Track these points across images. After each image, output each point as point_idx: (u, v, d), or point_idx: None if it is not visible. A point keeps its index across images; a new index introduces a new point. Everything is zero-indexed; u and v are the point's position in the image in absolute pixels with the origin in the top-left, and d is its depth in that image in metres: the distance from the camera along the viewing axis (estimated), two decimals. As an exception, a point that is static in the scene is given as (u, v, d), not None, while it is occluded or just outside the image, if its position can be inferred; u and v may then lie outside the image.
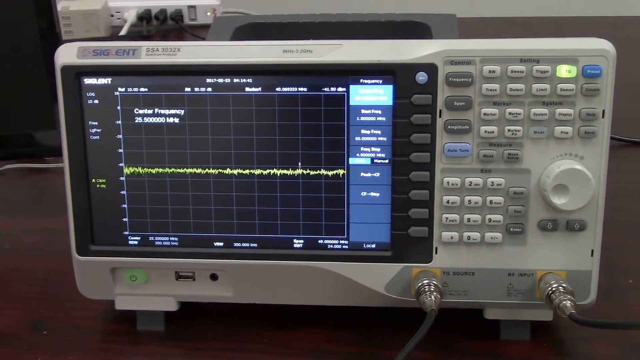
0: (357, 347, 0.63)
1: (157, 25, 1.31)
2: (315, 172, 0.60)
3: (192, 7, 1.31)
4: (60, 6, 1.26)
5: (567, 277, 0.59)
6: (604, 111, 0.57)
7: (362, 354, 0.62)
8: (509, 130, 0.57)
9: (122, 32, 1.29)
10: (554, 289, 0.57)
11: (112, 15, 1.32)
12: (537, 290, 0.60)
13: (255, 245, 0.62)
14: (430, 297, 0.57)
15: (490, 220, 0.59)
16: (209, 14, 1.28)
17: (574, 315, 0.54)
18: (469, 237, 0.59)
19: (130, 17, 1.30)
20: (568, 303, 0.55)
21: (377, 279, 0.61)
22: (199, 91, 0.59)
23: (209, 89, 0.59)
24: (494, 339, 0.64)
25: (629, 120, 1.10)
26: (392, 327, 0.64)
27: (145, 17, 1.31)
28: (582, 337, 0.63)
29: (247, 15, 1.17)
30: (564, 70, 0.56)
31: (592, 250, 0.59)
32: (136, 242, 0.62)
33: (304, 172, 0.60)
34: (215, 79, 0.59)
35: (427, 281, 0.58)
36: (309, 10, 0.79)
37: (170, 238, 0.62)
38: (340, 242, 0.61)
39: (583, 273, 0.59)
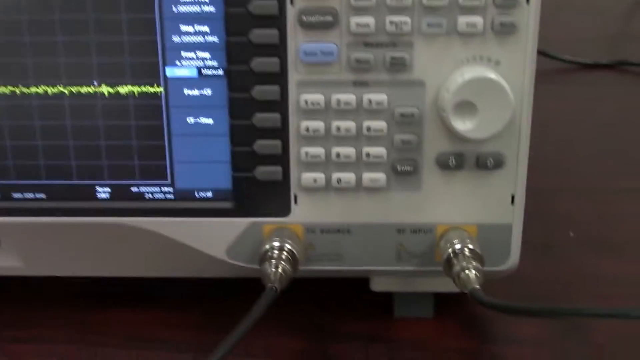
0: (195, 332, 0.46)
1: None
2: (119, 90, 0.42)
3: None
4: None
5: (477, 233, 0.43)
6: (528, -7, 0.40)
7: (201, 341, 0.45)
8: (391, 23, 0.39)
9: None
10: (456, 251, 0.41)
11: None
12: (436, 252, 0.44)
13: (42, 195, 0.43)
14: (276, 268, 0.40)
15: (368, 155, 0.41)
16: None
17: (476, 292, 0.37)
18: (339, 180, 0.42)
19: None
20: (472, 273, 0.39)
21: (215, 241, 0.43)
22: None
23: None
24: (385, 317, 0.48)
25: (568, 38, 0.98)
26: (246, 304, 0.44)
27: None
28: (500, 315, 0.46)
29: None
30: None
31: (513, 196, 0.42)
32: None
33: (102, 89, 0.42)
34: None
35: (278, 243, 0.41)
36: None
37: None
38: (163, 189, 0.43)
39: (500, 227, 0.42)
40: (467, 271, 0.39)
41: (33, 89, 0.42)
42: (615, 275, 0.53)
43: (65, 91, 0.42)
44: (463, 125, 0.39)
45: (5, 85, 0.42)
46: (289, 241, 0.41)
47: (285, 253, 0.41)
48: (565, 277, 0.53)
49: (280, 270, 0.39)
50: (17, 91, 0.42)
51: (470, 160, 0.41)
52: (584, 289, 0.51)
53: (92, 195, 0.43)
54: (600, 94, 0.86)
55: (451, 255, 0.41)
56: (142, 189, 0.43)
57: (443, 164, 0.41)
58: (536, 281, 0.51)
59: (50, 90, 0.42)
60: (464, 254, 0.40)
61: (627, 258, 0.55)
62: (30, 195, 0.44)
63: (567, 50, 0.91)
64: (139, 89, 0.42)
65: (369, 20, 0.39)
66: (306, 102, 0.41)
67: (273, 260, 0.40)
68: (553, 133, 0.73)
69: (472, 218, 0.43)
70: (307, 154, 0.41)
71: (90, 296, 0.49)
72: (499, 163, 0.41)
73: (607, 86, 0.88)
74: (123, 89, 0.42)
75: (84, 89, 0.42)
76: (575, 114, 0.81)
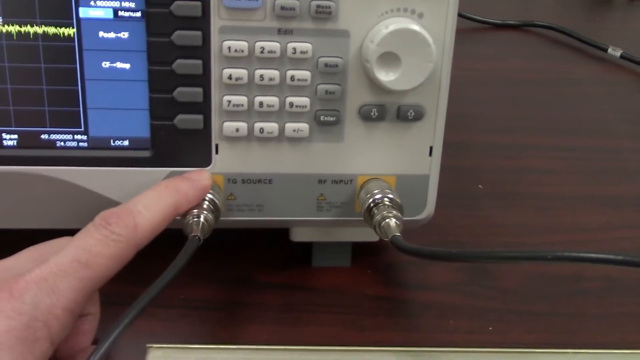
0: (115, 284, 0.41)
1: None
2: (27, 30, 0.39)
3: None
4: None
5: (396, 184, 0.43)
6: (452, -54, 0.40)
7: (122, 293, 0.40)
8: (317, -30, 0.40)
9: None
10: (376, 201, 0.41)
11: None
12: (357, 203, 0.44)
13: (-60, 142, 0.41)
14: (197, 217, 0.39)
15: (292, 105, 0.41)
16: None
17: (396, 239, 0.38)
18: (262, 130, 0.41)
19: None
20: (392, 222, 0.39)
21: (132, 191, 0.40)
22: None
23: None
24: (304, 267, 0.48)
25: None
26: (165, 257, 0.43)
27: None
28: (416, 261, 0.48)
29: None
30: None
31: (431, 148, 0.43)
32: None
33: (9, 28, 0.39)
34: None
35: (198, 193, 0.41)
36: None
37: None
38: (75, 137, 0.41)
39: (418, 178, 0.43)
40: (387, 220, 0.40)
41: None
42: (519, 224, 0.56)
43: (-33, 29, 0.39)
44: (386, 76, 0.40)
45: None
46: (210, 191, 0.41)
47: (206, 203, 0.40)
48: (474, 226, 0.55)
49: (202, 219, 0.39)
50: None
51: (391, 111, 0.42)
52: (491, 237, 0.54)
53: (-2, 142, 0.41)
54: (508, 53, 0.89)
55: (372, 205, 0.41)
56: (53, 136, 0.41)
57: (365, 115, 0.42)
58: (448, 230, 0.53)
59: (-52, 28, 0.39)
60: (384, 204, 0.41)
61: (530, 209, 0.58)
62: None
63: (476, 10, 0.94)
64: (49, 30, 0.39)
65: (294, -35, 0.39)
66: (229, 49, 0.39)
67: (195, 210, 0.39)
68: (465, 91, 0.76)
69: (392, 169, 0.43)
70: (229, 102, 0.40)
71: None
72: (419, 115, 0.42)
73: (514, 46, 0.91)
74: (32, 29, 0.39)
75: (-11, 28, 0.39)
76: (484, 72, 0.83)
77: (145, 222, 0.36)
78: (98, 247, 0.34)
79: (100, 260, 0.34)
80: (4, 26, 0.39)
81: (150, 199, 0.37)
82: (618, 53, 0.85)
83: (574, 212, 0.57)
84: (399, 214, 0.41)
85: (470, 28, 0.93)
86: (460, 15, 0.90)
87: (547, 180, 0.61)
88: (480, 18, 0.92)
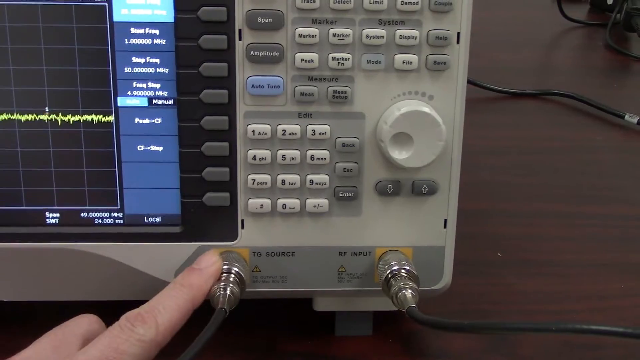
0: None
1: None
2: (70, 119, 0.43)
3: None
4: None
5: (413, 255, 0.45)
6: (459, 34, 0.42)
7: None
8: (334, 59, 0.42)
9: None
10: (394, 272, 0.43)
11: None
12: (375, 274, 0.46)
13: (-11, 221, 0.45)
14: (224, 290, 0.41)
15: (312, 182, 0.44)
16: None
17: (411, 310, 0.40)
18: (284, 206, 0.44)
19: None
20: (408, 293, 0.41)
21: (164, 264, 0.44)
22: None
23: None
24: (327, 335, 0.50)
25: (497, 68, 1.04)
26: (195, 325, 0.46)
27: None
28: (434, 331, 0.49)
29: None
30: (407, -23, 0.42)
31: (446, 220, 0.45)
32: None
33: (54, 117, 0.43)
34: None
35: (225, 267, 0.43)
36: None
37: None
38: (112, 215, 0.45)
39: (434, 250, 0.45)
40: (404, 291, 0.42)
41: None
42: (538, 292, 0.57)
43: (17, 119, 0.43)
44: (400, 154, 0.42)
45: (-45, 112, 0.43)
46: (236, 264, 0.43)
47: (232, 276, 0.42)
48: (495, 294, 0.56)
49: (228, 292, 0.41)
50: (-33, 118, 0.43)
51: (406, 187, 0.44)
52: (510, 305, 0.55)
53: (41, 220, 0.44)
54: (526, 121, 0.91)
55: (389, 276, 0.43)
56: (92, 214, 0.44)
57: (381, 191, 0.44)
58: (469, 298, 0.55)
59: (1, 117, 0.43)
60: (401, 275, 0.43)
61: (549, 276, 0.58)
62: (-22, 220, 0.44)
63: (494, 80, 0.96)
64: (90, 118, 0.43)
65: (313, 56, 0.42)
66: (253, 132, 0.43)
67: (221, 283, 0.42)
68: (483, 159, 0.78)
69: (408, 241, 0.45)
70: (253, 181, 0.44)
71: (42, 318, 0.49)
72: (432, 190, 0.44)
73: (532, 114, 0.94)
74: (75, 118, 0.43)
75: (36, 117, 0.43)
76: (502, 141, 0.85)
77: (165, 322, 0.39)
78: (124, 346, 0.37)
79: (127, 358, 0.37)
80: (49, 115, 0.43)
81: (169, 299, 0.40)
82: (635, 119, 0.87)
83: (593, 279, 0.58)
84: (415, 285, 0.43)
85: (489, 97, 0.96)
86: (478, 85, 0.94)
87: (566, 248, 0.62)
88: (498, 87, 0.95)
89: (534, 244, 0.63)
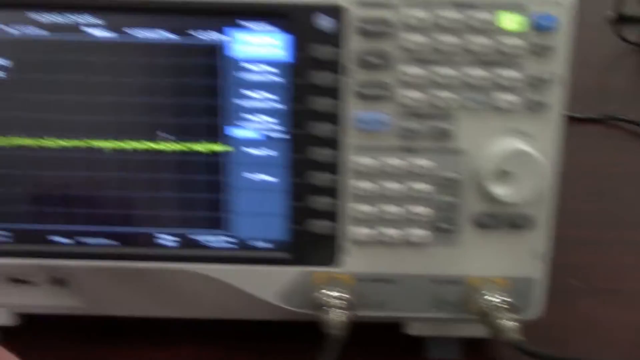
0: None
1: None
2: (189, 147, 0.46)
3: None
4: None
5: (507, 286, 0.47)
6: (558, 76, 0.44)
7: None
8: (438, 98, 0.44)
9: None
10: (491, 302, 0.45)
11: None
12: (469, 302, 0.47)
13: (108, 241, 0.47)
14: (336, 315, 0.44)
15: (413, 213, 0.46)
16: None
17: (519, 343, 0.42)
18: (386, 235, 0.46)
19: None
20: (508, 323, 0.43)
21: (269, 287, 0.47)
22: (24, 32, 0.44)
23: (38, 30, 0.44)
24: (416, 358, 0.52)
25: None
26: (295, 346, 0.50)
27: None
28: (522, 356, 0.51)
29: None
30: (509, 21, 0.43)
31: (540, 253, 0.47)
32: (-48, 236, 0.48)
33: (171, 146, 0.45)
34: (47, 18, 0.43)
35: (333, 292, 0.45)
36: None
37: (-1, 231, 0.48)
38: (222, 238, 0.47)
39: (528, 281, 0.47)
40: (502, 321, 0.44)
41: (109, 144, 0.46)
42: (614, 321, 0.57)
43: (136, 146, 0.46)
44: (500, 190, 0.44)
45: (80, 139, 0.46)
46: (342, 289, 0.46)
47: (341, 301, 0.45)
48: (573, 324, 0.57)
49: (340, 318, 0.44)
50: (93, 145, 0.46)
51: (503, 220, 0.46)
52: (593, 335, 0.56)
53: (156, 242, 0.47)
54: (590, 147, 0.91)
55: (486, 306, 0.45)
56: (203, 237, 0.47)
57: (479, 223, 0.46)
58: (549, 328, 0.55)
59: (123, 145, 0.46)
60: (498, 305, 0.45)
61: (623, 305, 0.59)
62: (101, 241, 0.47)
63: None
64: (207, 147, 0.46)
65: (418, 94, 0.44)
66: (359, 164, 0.45)
67: (332, 308, 0.44)
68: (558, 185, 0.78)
69: (503, 272, 0.47)
70: (357, 210, 0.46)
71: (149, 335, 0.52)
72: (529, 224, 0.46)
73: (596, 140, 0.94)
74: (193, 147, 0.46)
75: (156, 145, 0.46)
76: (567, 167, 0.86)
77: None
78: None
79: None
80: (173, 143, 0.46)
81: None
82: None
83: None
84: (513, 315, 0.44)
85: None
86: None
87: (637, 276, 0.63)
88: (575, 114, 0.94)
89: (607, 272, 0.63)
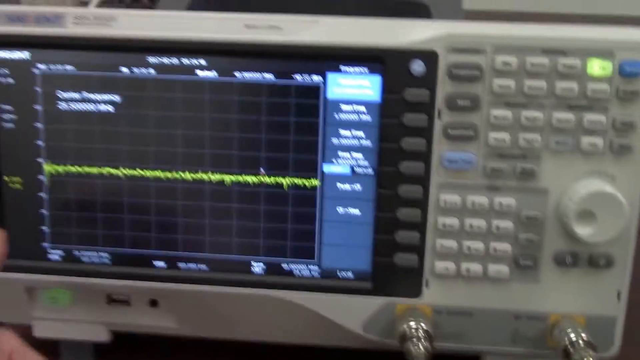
0: None
1: (129, 4, 1.19)
2: (281, 181, 0.48)
3: (169, -16, 1.19)
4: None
5: (586, 323, 0.48)
6: (643, 120, 0.46)
7: None
8: (524, 139, 0.46)
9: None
10: (572, 340, 0.46)
11: (82, -9, 1.20)
12: (548, 338, 0.49)
13: (203, 266, 0.50)
14: (419, 346, 0.45)
15: (495, 250, 0.47)
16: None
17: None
18: (468, 270, 0.48)
19: (102, -8, 1.18)
20: (591, 361, 0.45)
21: (353, 315, 0.49)
22: (139, 73, 0.47)
23: (152, 71, 0.47)
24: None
25: None
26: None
27: (118, -7, 1.19)
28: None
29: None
30: (597, 66, 0.45)
31: (619, 292, 0.48)
32: (58, 257, 0.50)
33: (267, 179, 0.48)
34: (158, 59, 0.47)
35: (415, 324, 0.47)
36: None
37: (100, 253, 0.50)
38: (309, 267, 0.50)
39: (606, 319, 0.48)
40: (581, 358, 0.45)
41: (209, 176, 0.48)
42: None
43: (234, 179, 0.48)
44: (583, 230, 0.46)
45: (185, 172, 0.49)
46: (424, 321, 0.47)
47: (423, 332, 0.46)
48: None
49: (422, 348, 0.45)
50: (193, 177, 0.49)
51: (583, 258, 0.47)
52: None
53: (247, 269, 0.50)
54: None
55: (567, 344, 0.46)
56: (292, 266, 0.50)
57: (560, 261, 0.47)
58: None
59: (223, 177, 0.49)
60: (579, 343, 0.46)
61: None
62: (193, 266, 0.50)
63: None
64: (298, 181, 0.48)
65: (505, 136, 0.46)
66: (445, 201, 0.47)
67: (414, 339, 0.46)
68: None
69: (583, 309, 0.48)
70: (441, 245, 0.48)
71: (236, 357, 0.54)
72: (609, 263, 0.47)
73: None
74: (285, 180, 0.48)
75: (250, 178, 0.48)
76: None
77: None
78: None
79: None
80: (264, 177, 0.49)
81: None
82: None
83: None
84: (591, 352, 0.45)
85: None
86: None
87: None
88: None
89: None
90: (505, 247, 0.47)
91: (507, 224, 0.47)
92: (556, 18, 1.06)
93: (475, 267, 0.48)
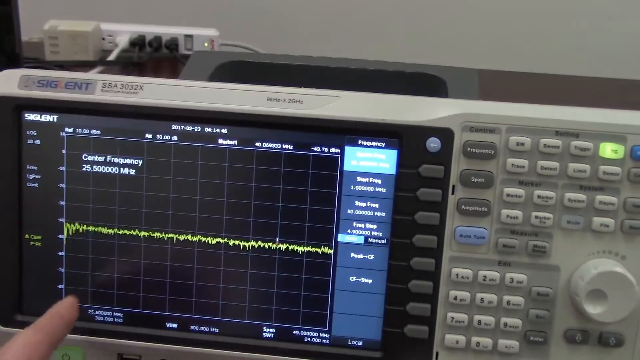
0: None
1: (149, 53, 1.22)
2: (296, 248, 0.49)
3: (189, 37, 1.21)
4: (48, 25, 1.18)
5: (595, 401, 0.49)
6: (654, 203, 0.47)
7: None
8: (536, 217, 0.47)
9: (111, 57, 1.19)
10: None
11: (103, 39, 1.23)
12: (557, 415, 0.49)
13: (216, 330, 0.50)
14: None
15: (505, 324, 0.48)
16: (206, 44, 1.19)
17: None
18: (478, 344, 0.48)
19: (123, 42, 1.21)
20: None
21: (361, 384, 0.50)
22: (162, 139, 0.49)
23: (174, 138, 0.49)
24: None
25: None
26: None
27: (138, 43, 1.21)
28: None
29: (231, 52, 1.07)
30: (609, 150, 0.46)
31: (629, 371, 0.49)
32: (72, 315, 0.52)
33: (282, 246, 0.49)
34: (182, 126, 0.48)
35: (423, 396, 0.48)
36: (319, 52, 0.69)
37: (114, 313, 0.51)
38: (320, 335, 0.50)
39: (615, 398, 0.49)
40: None
41: (225, 241, 0.49)
42: None
43: (250, 245, 0.49)
44: (593, 309, 0.46)
45: (202, 236, 0.49)
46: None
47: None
48: None
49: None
50: (210, 242, 0.50)
51: (593, 337, 0.48)
52: None
53: (259, 334, 0.50)
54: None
55: (576, 422, 0.46)
56: (303, 332, 0.50)
57: (570, 339, 0.48)
58: None
59: (233, 242, 0.50)
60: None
61: None
62: (205, 329, 0.50)
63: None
64: (313, 249, 0.49)
65: (517, 213, 0.47)
66: (456, 275, 0.48)
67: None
68: None
69: (592, 387, 0.48)
70: (452, 318, 0.48)
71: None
72: (619, 342, 0.47)
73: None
74: (300, 248, 0.49)
75: (265, 245, 0.49)
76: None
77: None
78: None
79: None
80: (278, 244, 0.49)
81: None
82: None
83: None
84: None
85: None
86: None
87: None
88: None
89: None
90: (516, 322, 0.48)
91: (518, 299, 0.48)
92: (562, 80, 1.08)
93: (486, 341, 0.48)
